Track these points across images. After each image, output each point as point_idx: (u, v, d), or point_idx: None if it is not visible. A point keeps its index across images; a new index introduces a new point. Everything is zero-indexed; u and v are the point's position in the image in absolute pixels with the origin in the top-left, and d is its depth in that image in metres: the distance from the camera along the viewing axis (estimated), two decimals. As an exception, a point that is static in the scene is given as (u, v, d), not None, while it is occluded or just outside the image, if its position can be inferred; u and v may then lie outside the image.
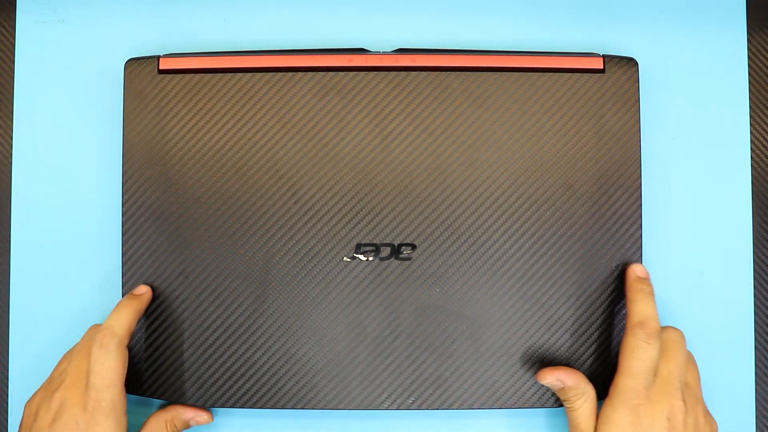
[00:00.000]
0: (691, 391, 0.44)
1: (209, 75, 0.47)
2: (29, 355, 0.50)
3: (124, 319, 0.44)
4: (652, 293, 0.45)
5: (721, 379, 0.49)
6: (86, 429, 0.42)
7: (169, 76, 0.47)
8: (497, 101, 0.47)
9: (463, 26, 0.51)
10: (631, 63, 0.47)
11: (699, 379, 0.45)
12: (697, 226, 0.50)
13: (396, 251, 0.46)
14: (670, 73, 0.51)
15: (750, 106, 0.51)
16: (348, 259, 0.46)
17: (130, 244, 0.47)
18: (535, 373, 0.46)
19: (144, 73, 0.47)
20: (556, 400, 0.46)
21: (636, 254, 0.46)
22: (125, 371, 0.44)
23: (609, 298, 0.47)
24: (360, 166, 0.47)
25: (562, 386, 0.44)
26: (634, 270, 0.46)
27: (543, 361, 0.46)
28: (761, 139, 0.51)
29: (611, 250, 0.46)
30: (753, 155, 0.51)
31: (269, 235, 0.47)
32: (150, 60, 0.48)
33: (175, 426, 0.46)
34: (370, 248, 0.46)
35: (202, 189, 0.47)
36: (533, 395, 0.46)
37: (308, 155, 0.47)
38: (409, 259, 0.46)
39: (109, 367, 0.42)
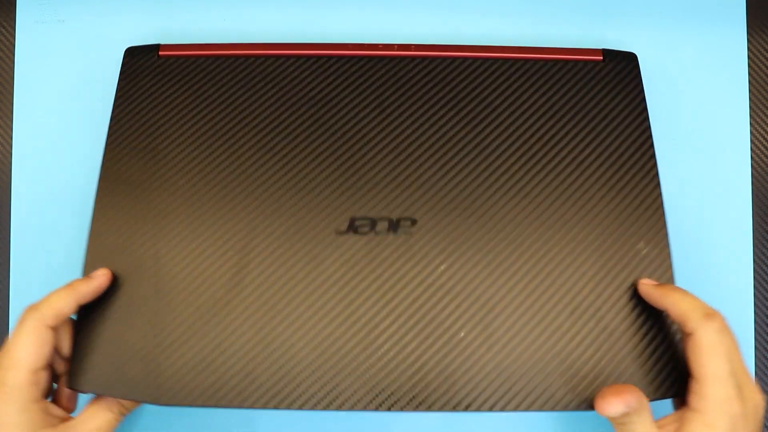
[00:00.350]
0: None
1: (205, 59, 0.46)
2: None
3: (56, 300, 0.39)
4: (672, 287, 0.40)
5: (721, 379, 0.49)
6: None
7: (164, 58, 0.47)
8: (500, 87, 0.46)
9: (463, 24, 0.51)
10: (630, 56, 0.47)
11: None
12: (697, 226, 0.50)
13: (394, 226, 0.42)
14: (670, 74, 0.51)
15: (750, 106, 0.51)
16: (340, 234, 0.42)
17: (102, 213, 0.43)
18: (561, 370, 0.40)
19: (142, 56, 0.47)
20: (581, 402, 0.40)
21: (661, 231, 0.42)
22: (44, 355, 0.38)
23: (633, 278, 0.42)
24: (357, 134, 0.44)
25: (627, 411, 0.37)
26: (646, 281, 0.42)
27: (565, 351, 0.40)
28: (761, 139, 0.51)
29: (632, 227, 0.42)
30: (753, 155, 0.51)
31: (253, 206, 0.42)
32: (151, 47, 0.47)
33: (123, 405, 0.41)
34: (366, 222, 0.42)
35: (185, 159, 0.44)
36: (555, 394, 0.40)
37: (299, 121, 0.44)
38: (408, 234, 0.42)
39: (19, 346, 0.38)
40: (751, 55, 0.51)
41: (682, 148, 0.51)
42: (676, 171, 0.50)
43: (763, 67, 0.51)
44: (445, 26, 0.51)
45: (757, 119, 0.51)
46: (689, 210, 0.50)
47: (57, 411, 0.40)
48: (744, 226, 0.50)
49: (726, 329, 0.37)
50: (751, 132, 0.51)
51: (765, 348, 0.50)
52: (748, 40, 0.52)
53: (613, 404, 0.36)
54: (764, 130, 0.51)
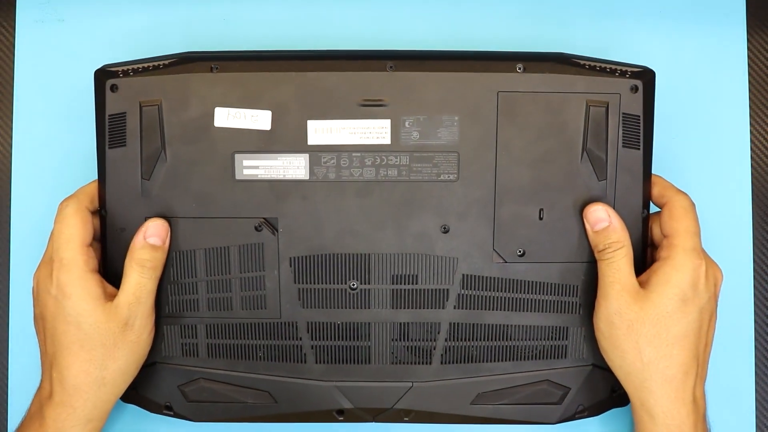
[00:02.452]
0: None
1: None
2: (29, 355, 0.50)
3: (88, 187, 0.44)
4: None
5: (721, 379, 0.49)
6: (57, 293, 0.42)
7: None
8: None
9: (463, 26, 0.51)
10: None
11: None
12: (697, 226, 0.50)
13: None
14: (670, 73, 0.51)
15: (750, 106, 0.51)
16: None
17: None
18: None
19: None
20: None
21: None
22: (89, 232, 0.43)
23: None
24: None
25: (606, 225, 0.43)
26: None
27: None
28: (761, 139, 0.51)
29: None
30: (753, 155, 0.51)
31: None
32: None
33: (140, 260, 0.43)
34: None
35: None
36: None
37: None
38: None
39: (67, 227, 0.42)
40: (751, 55, 0.51)
41: (682, 147, 0.51)
42: (676, 171, 0.50)
43: (763, 67, 0.51)
44: (443, 28, 0.51)
45: (757, 119, 0.51)
46: (689, 210, 0.50)
47: (108, 286, 0.44)
48: (744, 226, 0.50)
49: (693, 204, 0.44)
50: (751, 132, 0.51)
51: (765, 348, 0.50)
52: (748, 40, 0.52)
53: (598, 208, 0.43)
54: (764, 130, 0.51)
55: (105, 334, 0.42)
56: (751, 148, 0.51)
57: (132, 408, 0.48)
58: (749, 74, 0.51)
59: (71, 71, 0.51)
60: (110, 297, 0.43)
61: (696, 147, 0.51)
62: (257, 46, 0.51)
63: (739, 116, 0.51)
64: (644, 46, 0.51)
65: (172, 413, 0.46)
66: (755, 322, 0.50)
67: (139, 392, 0.46)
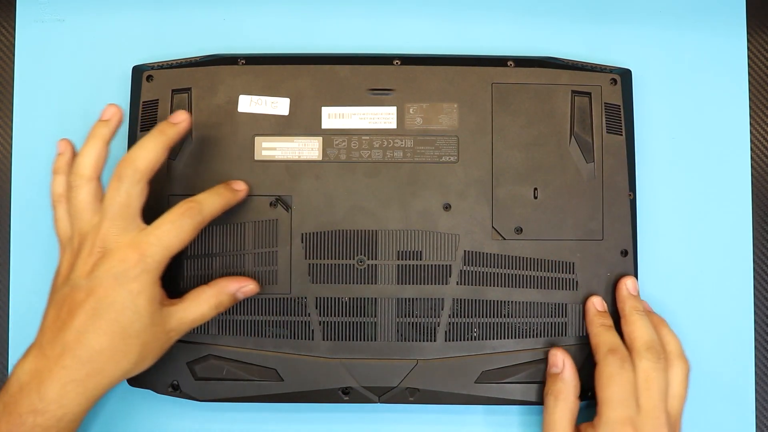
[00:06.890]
0: (672, 419, 0.43)
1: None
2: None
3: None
4: (637, 310, 0.45)
5: (721, 379, 0.49)
6: (132, 288, 0.40)
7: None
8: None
9: (458, 32, 0.51)
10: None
11: (684, 400, 0.44)
12: (697, 226, 0.50)
13: None
14: (671, 73, 0.51)
15: (750, 106, 0.51)
16: None
17: None
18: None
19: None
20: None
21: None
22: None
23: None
24: None
25: (558, 372, 0.44)
26: (625, 286, 0.46)
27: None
28: (761, 139, 0.51)
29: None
30: (753, 155, 0.51)
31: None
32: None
33: (221, 302, 0.44)
34: None
35: None
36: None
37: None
38: None
39: (170, 232, 0.41)
40: (751, 55, 0.51)
41: (683, 147, 0.51)
42: (676, 170, 0.50)
43: (763, 67, 0.51)
44: (443, 33, 0.51)
45: (757, 119, 0.51)
46: (689, 210, 0.50)
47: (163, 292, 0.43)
48: (744, 226, 0.50)
49: (626, 364, 0.42)
50: (751, 132, 0.51)
51: (765, 348, 0.50)
52: (748, 40, 0.52)
53: (558, 353, 0.45)
54: (764, 130, 0.51)
55: (150, 332, 0.41)
56: (751, 148, 0.51)
57: (132, 397, 0.48)
58: (749, 74, 0.51)
59: (71, 71, 0.51)
60: (167, 302, 0.42)
61: (696, 147, 0.51)
62: (255, 47, 0.51)
63: (739, 116, 0.51)
64: (644, 46, 0.51)
65: (178, 392, 0.46)
66: (755, 322, 0.50)
67: (147, 369, 0.45)
